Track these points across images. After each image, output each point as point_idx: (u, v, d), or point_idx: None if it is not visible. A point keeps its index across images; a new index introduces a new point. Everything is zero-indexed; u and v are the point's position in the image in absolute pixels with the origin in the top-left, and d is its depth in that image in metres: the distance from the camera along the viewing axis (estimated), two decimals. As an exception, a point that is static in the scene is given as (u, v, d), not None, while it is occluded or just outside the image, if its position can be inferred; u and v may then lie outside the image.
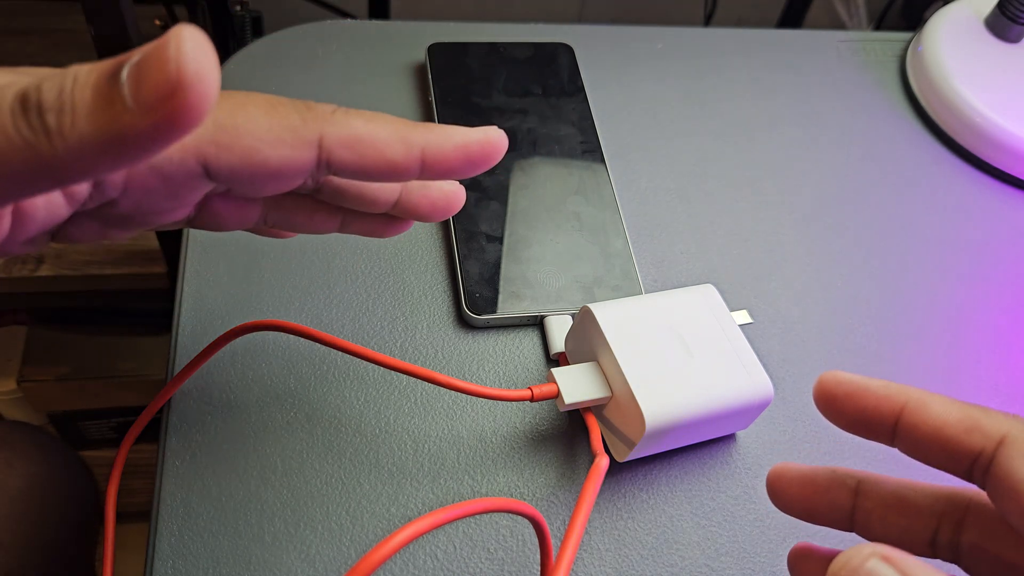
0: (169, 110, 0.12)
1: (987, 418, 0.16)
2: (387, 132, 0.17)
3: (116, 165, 0.13)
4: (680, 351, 0.24)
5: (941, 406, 0.17)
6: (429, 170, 0.18)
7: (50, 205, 0.16)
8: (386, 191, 0.20)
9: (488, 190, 0.31)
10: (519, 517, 0.24)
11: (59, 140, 0.13)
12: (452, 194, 0.21)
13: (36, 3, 0.57)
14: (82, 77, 0.13)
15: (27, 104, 0.13)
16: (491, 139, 0.19)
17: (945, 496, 0.18)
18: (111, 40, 0.34)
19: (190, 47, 0.12)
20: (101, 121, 0.13)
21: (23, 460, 0.37)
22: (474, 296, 0.28)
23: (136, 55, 0.13)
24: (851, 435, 0.28)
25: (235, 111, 0.16)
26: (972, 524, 0.17)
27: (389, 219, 0.22)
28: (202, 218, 0.20)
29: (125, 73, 0.12)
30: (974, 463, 0.16)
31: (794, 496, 0.19)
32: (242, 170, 0.16)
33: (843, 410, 0.18)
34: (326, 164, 0.17)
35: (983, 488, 0.16)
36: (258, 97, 0.17)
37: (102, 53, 0.35)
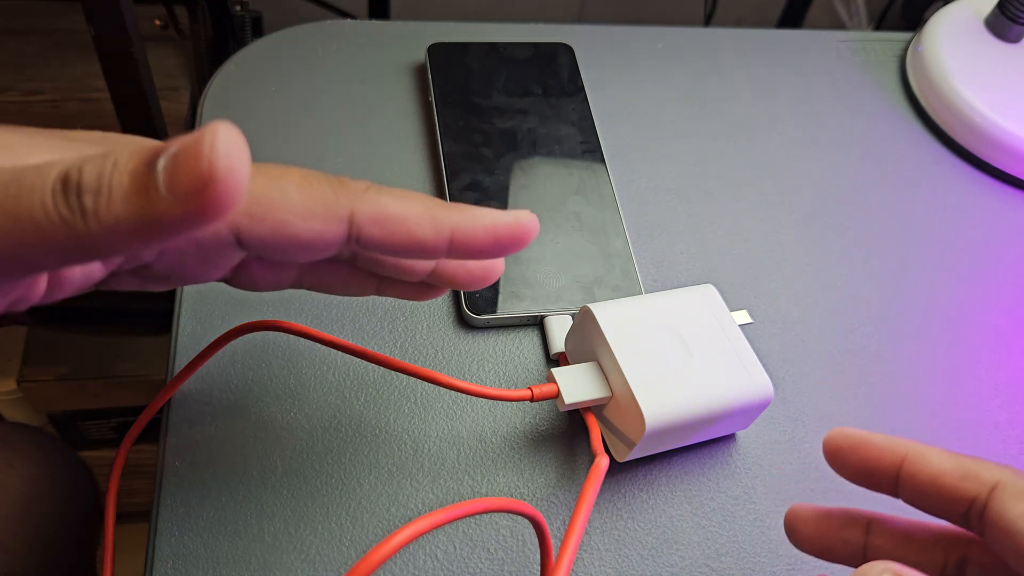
0: (200, 201, 0.13)
1: (981, 467, 0.18)
2: (417, 211, 0.18)
3: (148, 245, 0.14)
4: (680, 351, 0.24)
5: (938, 456, 0.18)
6: (457, 251, 0.18)
7: (87, 270, 0.17)
8: (421, 263, 0.20)
9: (488, 190, 0.31)
10: (519, 517, 0.24)
11: (94, 221, 0.13)
12: (490, 266, 0.21)
13: (36, 3, 0.57)
14: (122, 163, 0.14)
15: (68, 185, 0.13)
16: (522, 223, 0.19)
17: (951, 533, 0.19)
18: (111, 40, 0.34)
19: (223, 144, 0.13)
20: (135, 206, 0.13)
21: (23, 461, 0.37)
22: (474, 296, 0.28)
23: (174, 146, 0.13)
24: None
25: (270, 184, 0.17)
26: (975, 560, 0.19)
27: (426, 286, 0.22)
28: (237, 278, 0.20)
29: (161, 164, 0.13)
30: (970, 509, 0.17)
31: (810, 534, 0.21)
32: (273, 241, 0.17)
33: (849, 462, 0.20)
34: (356, 239, 0.17)
35: (980, 534, 0.18)
36: (293, 172, 0.17)
37: (102, 53, 0.35)
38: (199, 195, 0.13)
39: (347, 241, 0.17)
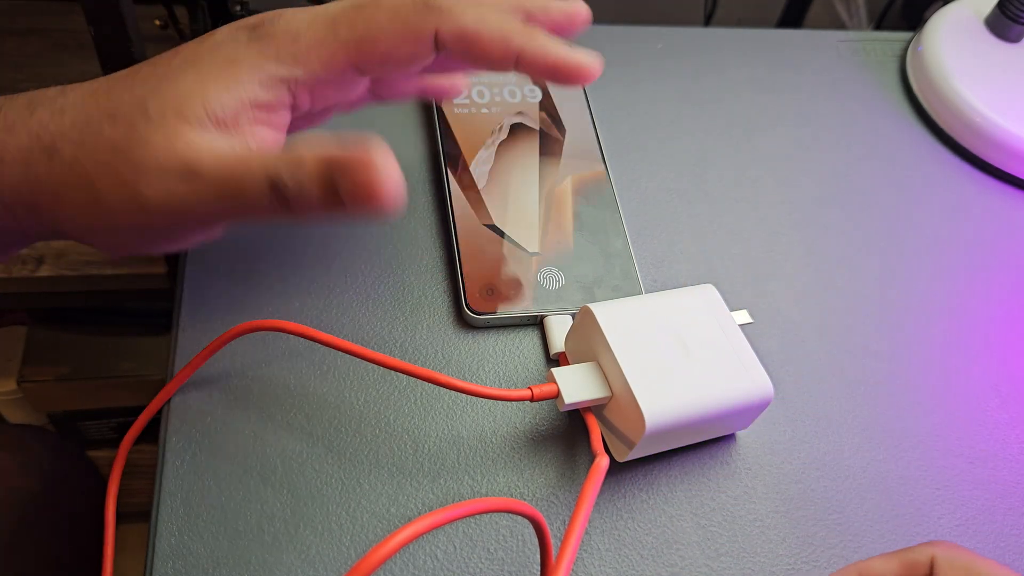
0: (368, 207, 0.19)
1: (916, 554, 0.21)
2: (491, 31, 0.22)
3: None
4: (680, 351, 0.24)
5: (880, 564, 0.22)
6: (523, 70, 0.22)
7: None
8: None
9: (487, 188, 0.31)
10: (519, 517, 0.24)
11: (294, 210, 0.20)
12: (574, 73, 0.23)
13: (36, 3, 0.57)
14: (312, 175, 0.19)
15: (276, 190, 0.20)
16: (583, 65, 0.22)
17: None
18: (111, 40, 0.34)
19: (386, 175, 0.19)
20: (323, 204, 0.20)
21: (36, 463, 0.37)
22: (474, 296, 0.28)
23: (350, 169, 0.19)
24: (851, 436, 0.28)
25: (369, 24, 0.21)
26: None
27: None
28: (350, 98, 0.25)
29: (340, 182, 0.19)
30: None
31: None
32: (382, 67, 0.22)
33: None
34: (440, 48, 0.22)
35: None
36: (385, 5, 0.22)
37: (103, 54, 0.35)
38: (369, 205, 0.19)
39: (436, 51, 0.22)
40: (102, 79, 0.22)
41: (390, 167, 0.19)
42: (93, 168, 0.20)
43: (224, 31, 0.22)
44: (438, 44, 0.22)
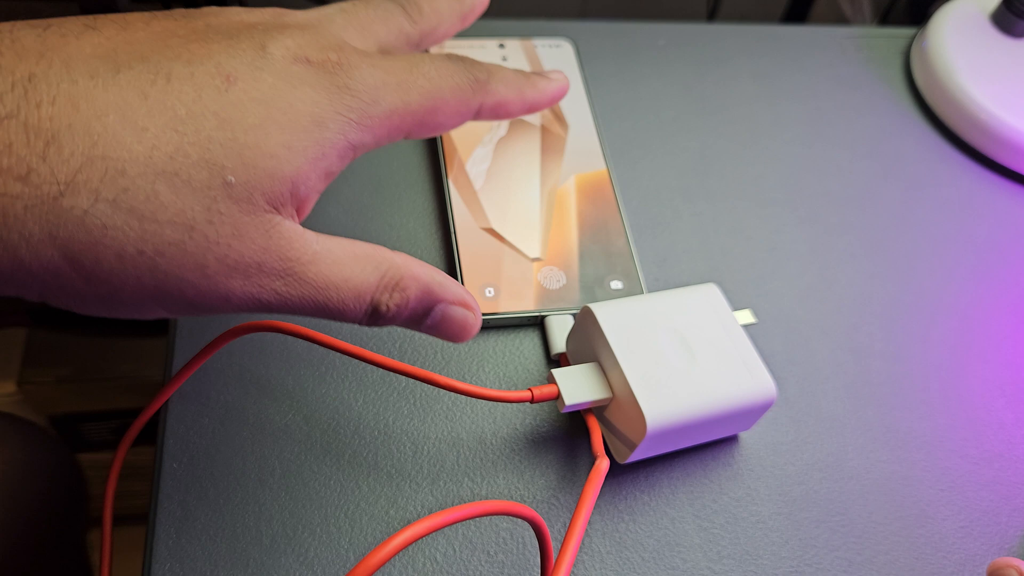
0: (449, 339, 0.21)
1: None
2: (516, 98, 0.23)
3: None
4: (682, 351, 0.24)
5: None
6: (532, 110, 0.24)
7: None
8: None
9: (487, 188, 0.31)
10: (519, 520, 0.24)
11: (374, 325, 0.20)
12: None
13: (35, 3, 0.56)
14: (411, 300, 0.20)
15: (376, 314, 0.20)
16: (562, 89, 0.24)
17: None
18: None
19: (475, 323, 0.21)
20: (404, 326, 0.21)
21: (6, 447, 0.37)
22: (474, 295, 0.28)
23: (443, 308, 0.20)
24: (854, 437, 0.27)
25: (435, 97, 0.21)
26: None
27: None
28: None
29: (435, 314, 0.20)
30: None
31: None
32: (424, 135, 0.21)
33: None
34: (474, 117, 0.23)
35: None
36: (445, 83, 0.21)
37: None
38: (452, 338, 0.21)
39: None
40: (104, 63, 0.16)
41: (478, 310, 0.21)
42: (139, 241, 0.16)
43: (280, 57, 0.18)
44: (474, 115, 0.22)
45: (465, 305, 0.21)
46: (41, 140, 0.15)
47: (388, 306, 0.20)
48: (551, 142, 0.33)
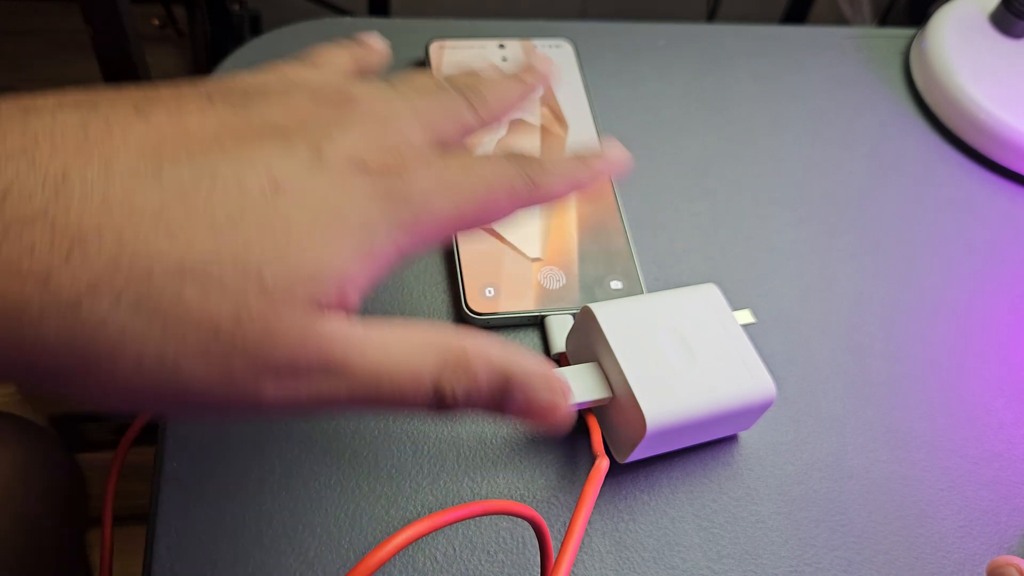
0: (538, 425, 0.19)
1: None
2: (568, 187, 0.21)
3: None
4: (682, 351, 0.24)
5: None
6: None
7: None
8: None
9: (488, 189, 0.31)
10: (519, 519, 0.24)
11: (446, 414, 0.18)
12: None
13: (35, 3, 0.57)
14: (483, 388, 0.18)
15: (442, 399, 0.18)
16: (620, 164, 0.23)
17: None
18: (109, 40, 0.34)
19: (565, 395, 0.19)
20: (483, 412, 0.19)
21: (4, 446, 0.37)
22: (474, 296, 0.28)
23: (528, 387, 0.19)
24: (854, 437, 0.28)
25: (490, 203, 0.20)
26: None
27: None
28: None
29: (515, 399, 0.18)
30: None
31: None
32: (479, 229, 0.21)
33: None
34: None
35: None
36: (501, 182, 0.20)
37: (100, 53, 0.35)
38: (540, 423, 0.19)
39: None
40: (147, 162, 0.15)
41: (567, 386, 0.19)
42: (160, 345, 0.15)
43: (335, 162, 0.17)
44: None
45: (551, 387, 0.19)
46: (67, 242, 0.14)
47: (454, 389, 0.18)
48: (551, 142, 0.33)
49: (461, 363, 0.18)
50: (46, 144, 0.15)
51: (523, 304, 0.28)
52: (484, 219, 0.20)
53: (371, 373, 0.17)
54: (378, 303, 0.28)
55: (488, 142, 0.32)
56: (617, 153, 0.23)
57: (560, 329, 0.27)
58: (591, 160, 0.22)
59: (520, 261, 0.29)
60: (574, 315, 0.28)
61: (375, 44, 0.25)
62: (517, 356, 0.19)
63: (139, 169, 0.15)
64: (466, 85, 0.22)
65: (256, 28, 0.57)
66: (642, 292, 0.29)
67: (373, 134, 0.18)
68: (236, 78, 0.20)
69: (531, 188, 0.20)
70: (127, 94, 0.16)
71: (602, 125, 0.35)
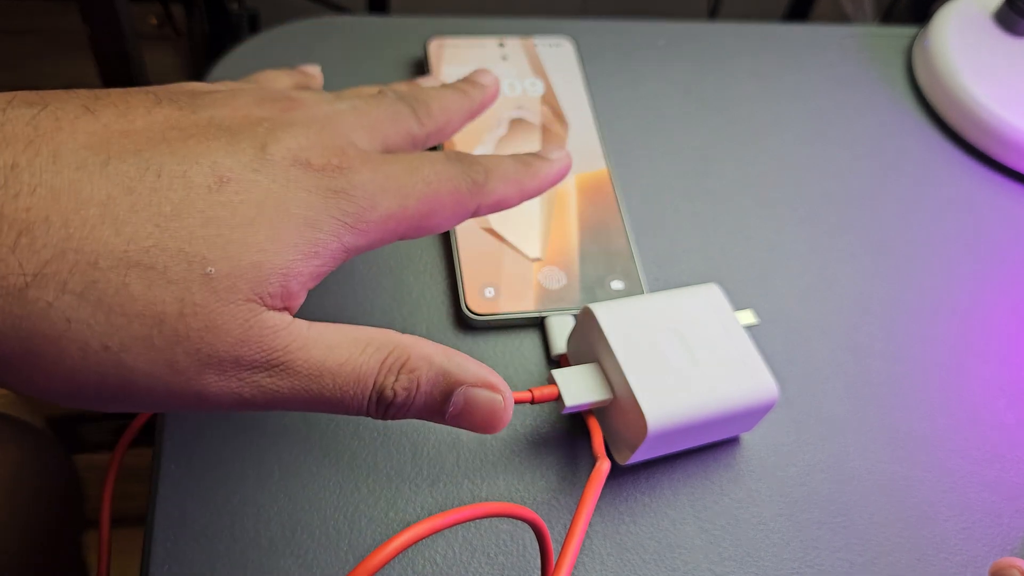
0: (478, 430, 0.20)
1: None
2: (513, 194, 0.22)
3: None
4: (683, 352, 0.24)
5: None
6: (535, 196, 0.24)
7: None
8: None
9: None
10: (519, 521, 0.24)
11: (386, 417, 0.19)
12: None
13: (33, 2, 0.56)
14: (423, 388, 0.18)
15: (383, 401, 0.18)
16: (564, 168, 0.25)
17: None
18: (106, 39, 0.34)
19: (508, 414, 0.20)
20: (422, 417, 0.19)
21: (2, 447, 0.37)
22: (473, 296, 0.28)
23: (468, 387, 0.19)
24: (856, 438, 0.27)
25: (433, 200, 0.20)
26: None
27: None
28: None
29: (454, 399, 0.18)
30: None
31: None
32: (427, 234, 0.21)
33: None
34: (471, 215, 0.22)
35: None
36: (444, 189, 0.21)
37: (98, 52, 0.35)
38: (481, 428, 0.19)
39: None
40: (95, 154, 0.15)
41: (508, 393, 0.19)
42: (104, 335, 0.15)
43: (279, 159, 0.17)
44: (472, 214, 0.22)
45: (490, 386, 0.19)
46: (14, 231, 0.14)
47: (395, 391, 0.18)
48: (551, 141, 0.32)
49: (403, 363, 0.18)
50: None
51: (523, 304, 0.28)
52: (429, 219, 0.20)
53: (314, 371, 0.17)
54: (377, 304, 0.28)
55: (488, 141, 0.32)
56: (561, 156, 0.24)
57: (561, 330, 0.27)
58: (535, 164, 0.23)
59: (520, 261, 0.29)
60: (575, 315, 0.28)
61: (314, 72, 0.27)
62: (459, 359, 0.19)
63: (86, 162, 0.15)
64: (410, 95, 0.22)
65: (254, 26, 0.57)
66: (643, 292, 0.29)
67: (317, 135, 0.19)
68: (184, 84, 0.20)
69: (475, 191, 0.21)
70: (77, 93, 0.17)
71: (602, 124, 0.34)
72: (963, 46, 0.38)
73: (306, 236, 0.17)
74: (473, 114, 0.24)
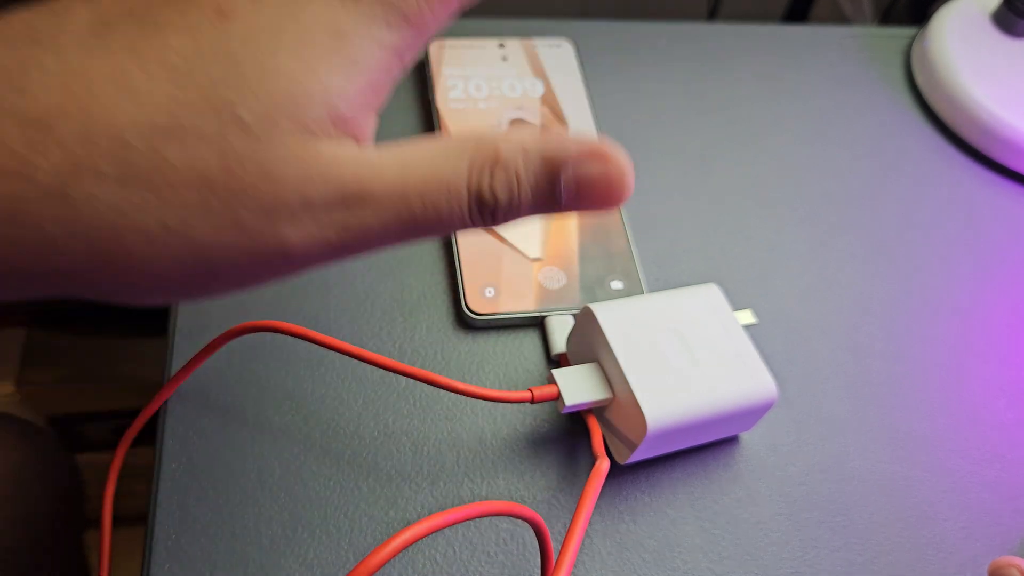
0: (604, 205, 0.16)
1: None
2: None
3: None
4: (683, 352, 0.24)
5: None
6: None
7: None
8: None
9: (488, 189, 0.31)
10: (519, 520, 0.24)
11: (495, 223, 0.16)
12: None
13: (33, 3, 0.56)
14: (527, 179, 0.16)
15: (484, 206, 0.16)
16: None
17: None
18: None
19: (629, 176, 0.16)
20: (535, 211, 0.16)
21: (3, 447, 0.37)
22: (474, 296, 0.28)
23: (574, 164, 0.16)
24: (855, 438, 0.27)
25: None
26: None
27: None
28: None
29: (563, 181, 0.16)
30: None
31: None
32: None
33: None
34: None
35: None
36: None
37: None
38: (605, 201, 0.16)
39: None
40: (95, 34, 0.14)
41: (622, 155, 0.16)
42: (159, 214, 0.14)
43: None
44: None
45: (599, 157, 0.16)
46: (37, 132, 0.13)
47: (495, 192, 0.16)
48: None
49: (495, 160, 0.16)
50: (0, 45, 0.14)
51: (523, 304, 0.28)
52: None
53: (396, 194, 0.15)
54: (377, 304, 0.28)
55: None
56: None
57: (560, 329, 0.27)
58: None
59: (520, 261, 0.29)
60: (575, 315, 0.28)
61: None
62: (556, 137, 0.16)
63: (88, 42, 0.14)
64: None
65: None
66: (643, 292, 0.29)
67: None
68: None
69: None
70: None
71: (602, 124, 0.34)
72: (962, 47, 0.38)
73: (334, 47, 0.15)
74: None
